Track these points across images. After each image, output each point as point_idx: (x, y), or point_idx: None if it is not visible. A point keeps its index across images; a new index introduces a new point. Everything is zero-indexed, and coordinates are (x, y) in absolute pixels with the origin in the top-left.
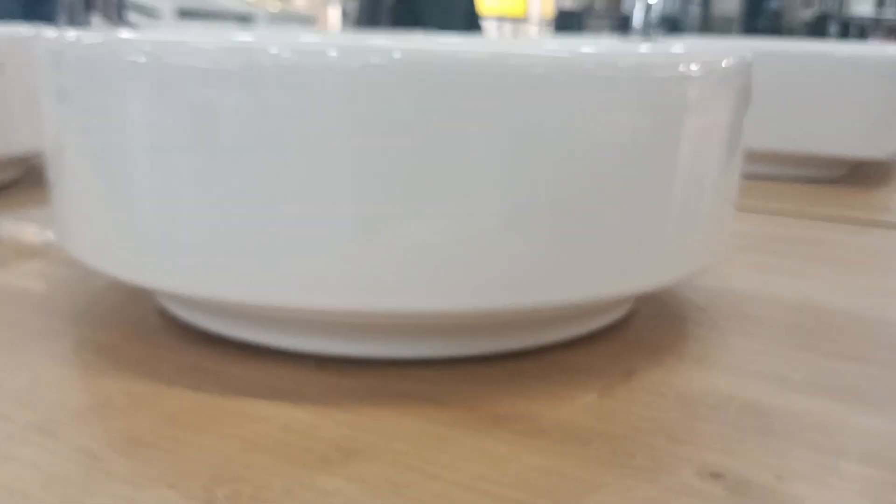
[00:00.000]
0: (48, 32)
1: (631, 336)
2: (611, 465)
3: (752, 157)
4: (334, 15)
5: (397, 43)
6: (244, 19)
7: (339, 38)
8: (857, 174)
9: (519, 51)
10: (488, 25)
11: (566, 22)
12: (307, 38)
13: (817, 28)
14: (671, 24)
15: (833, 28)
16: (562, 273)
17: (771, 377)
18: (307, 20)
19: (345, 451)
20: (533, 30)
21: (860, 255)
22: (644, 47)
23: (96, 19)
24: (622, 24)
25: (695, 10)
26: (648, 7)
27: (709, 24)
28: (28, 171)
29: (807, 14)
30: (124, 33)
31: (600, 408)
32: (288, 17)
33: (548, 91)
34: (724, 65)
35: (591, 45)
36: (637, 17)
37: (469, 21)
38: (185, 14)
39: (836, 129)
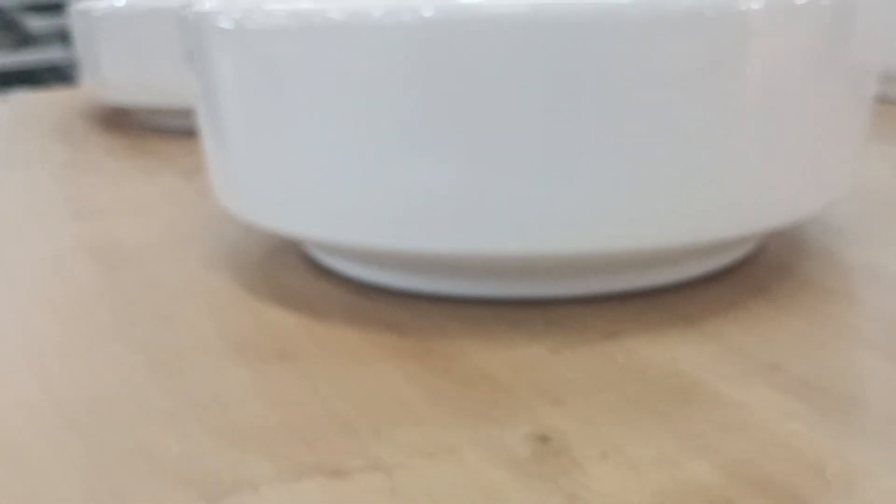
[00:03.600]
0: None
1: (678, 298)
2: (462, 410)
3: None
4: None
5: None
6: None
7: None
8: None
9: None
10: None
11: None
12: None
13: None
14: None
15: None
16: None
17: (768, 366)
18: None
19: (286, 354)
20: None
21: None
22: None
23: None
24: None
25: None
26: None
27: None
28: None
29: None
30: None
31: (537, 361)
32: None
33: (593, 41)
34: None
35: None
36: None
37: None
38: None
39: None
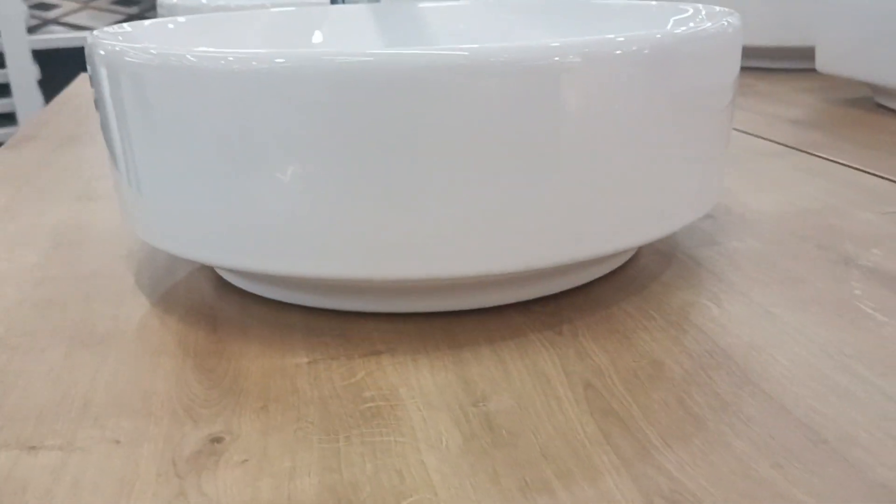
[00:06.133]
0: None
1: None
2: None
3: None
4: None
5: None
6: None
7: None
8: None
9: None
10: None
11: None
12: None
13: None
14: None
15: None
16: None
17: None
18: None
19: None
20: None
21: None
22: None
23: None
24: None
25: None
26: None
27: None
28: None
29: None
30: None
31: (295, 372)
32: None
33: (433, 86)
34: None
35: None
36: None
37: None
38: None
39: None
